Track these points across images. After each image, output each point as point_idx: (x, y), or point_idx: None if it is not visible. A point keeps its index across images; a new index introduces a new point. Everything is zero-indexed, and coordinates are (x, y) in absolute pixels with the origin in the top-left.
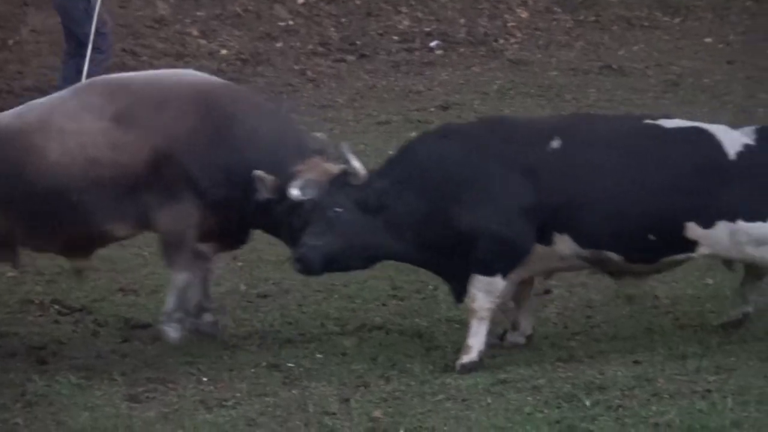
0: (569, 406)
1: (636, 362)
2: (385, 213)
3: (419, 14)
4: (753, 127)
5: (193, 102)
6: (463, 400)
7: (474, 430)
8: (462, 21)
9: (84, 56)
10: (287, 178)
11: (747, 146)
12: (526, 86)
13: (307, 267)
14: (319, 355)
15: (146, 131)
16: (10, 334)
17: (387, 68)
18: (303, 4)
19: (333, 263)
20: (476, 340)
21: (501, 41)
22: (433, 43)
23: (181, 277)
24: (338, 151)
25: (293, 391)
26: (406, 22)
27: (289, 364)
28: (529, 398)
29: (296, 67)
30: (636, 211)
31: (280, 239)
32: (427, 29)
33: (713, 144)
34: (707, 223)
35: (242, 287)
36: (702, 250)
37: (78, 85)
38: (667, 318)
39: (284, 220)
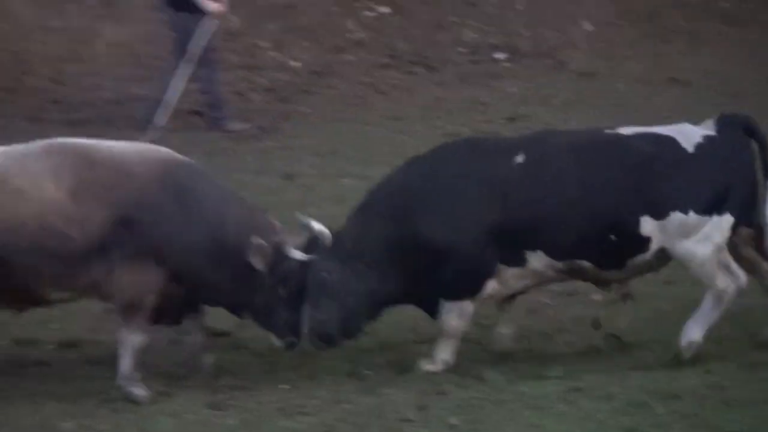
0: (642, 413)
1: (707, 371)
2: (366, 256)
3: (486, 27)
4: (715, 118)
5: (154, 174)
6: (538, 408)
7: None
8: (528, 33)
9: (188, 70)
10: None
11: (707, 137)
12: (591, 98)
13: (327, 340)
14: (396, 364)
15: (105, 202)
16: (96, 343)
17: (455, 80)
18: (373, 17)
19: (346, 323)
20: (445, 355)
21: (566, 53)
22: (499, 56)
23: (137, 339)
24: (298, 221)
25: (371, 399)
26: (473, 35)
27: (367, 372)
28: (602, 406)
29: (366, 80)
30: (598, 216)
31: (241, 314)
32: (494, 42)
33: (669, 143)
34: (660, 217)
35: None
36: (653, 247)
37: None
38: (738, 328)
39: (269, 291)
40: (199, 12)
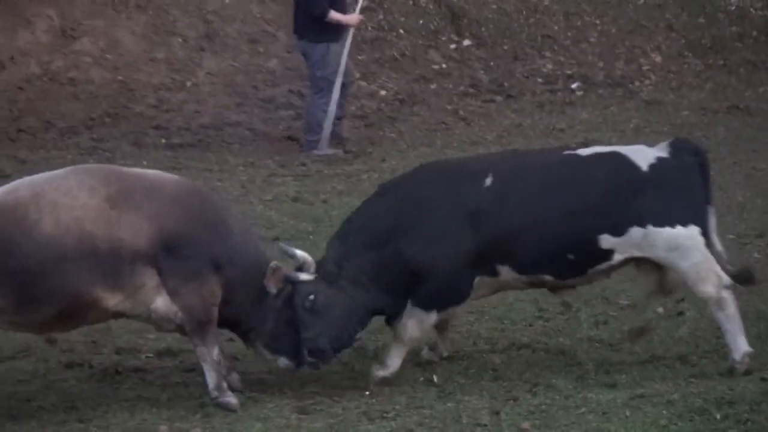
0: (701, 419)
1: (763, 379)
2: (347, 274)
3: (561, 58)
4: (669, 141)
5: (183, 189)
6: (604, 413)
7: None
8: (600, 64)
9: (328, 98)
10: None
11: (660, 159)
12: (660, 125)
13: (321, 358)
14: (471, 371)
15: (143, 210)
16: (190, 352)
17: (532, 108)
18: (455, 49)
19: (338, 341)
20: (395, 361)
21: (636, 83)
22: (574, 85)
23: (214, 351)
24: (281, 251)
25: (448, 404)
26: (549, 66)
27: (444, 380)
28: (664, 412)
29: (449, 107)
30: (559, 234)
31: (249, 339)
32: (569, 72)
33: (625, 163)
34: (619, 233)
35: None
36: (617, 257)
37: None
38: None
39: (278, 315)
40: (336, 41)
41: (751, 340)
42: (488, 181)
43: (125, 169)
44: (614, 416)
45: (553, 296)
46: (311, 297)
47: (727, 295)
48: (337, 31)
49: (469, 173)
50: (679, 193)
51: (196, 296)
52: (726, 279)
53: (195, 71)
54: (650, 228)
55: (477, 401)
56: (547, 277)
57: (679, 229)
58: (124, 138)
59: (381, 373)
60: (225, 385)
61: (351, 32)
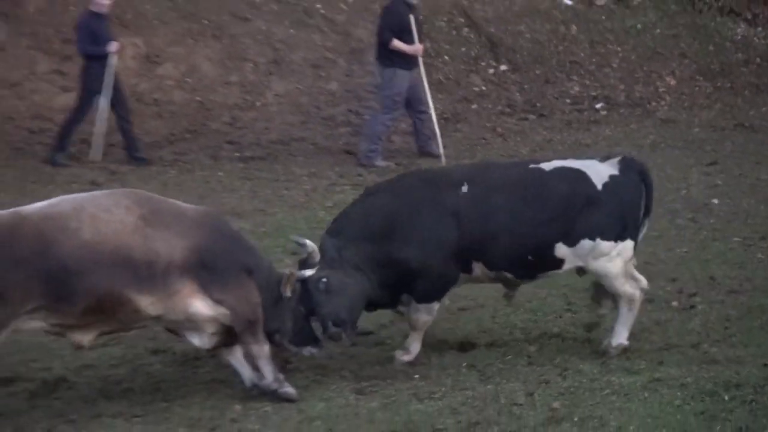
0: (711, 400)
1: (766, 365)
2: (350, 260)
3: (587, 81)
4: (617, 159)
5: (201, 210)
6: (625, 395)
7: (634, 418)
8: (622, 87)
9: (391, 115)
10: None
11: (612, 177)
12: (674, 140)
13: (344, 327)
14: (508, 358)
15: (174, 228)
16: None
17: (561, 125)
18: (493, 74)
19: (352, 313)
20: (415, 346)
21: (653, 103)
22: (598, 105)
23: (266, 347)
24: (294, 241)
25: (488, 386)
26: (576, 88)
27: (485, 365)
28: (678, 393)
29: (488, 125)
30: (523, 239)
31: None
32: (594, 93)
33: (583, 179)
34: (572, 244)
35: (446, 302)
36: (567, 266)
37: (107, 191)
38: None
39: (294, 313)
40: (403, 67)
41: (753, 330)
42: (464, 188)
43: (152, 194)
44: (634, 397)
45: (588, 292)
46: (324, 280)
47: (639, 296)
48: (404, 58)
49: (449, 181)
50: (625, 208)
51: (241, 300)
52: (644, 281)
53: (264, 93)
54: (598, 241)
55: (513, 384)
56: (509, 276)
57: (622, 243)
58: (202, 152)
59: (405, 357)
60: (282, 376)
61: (420, 61)
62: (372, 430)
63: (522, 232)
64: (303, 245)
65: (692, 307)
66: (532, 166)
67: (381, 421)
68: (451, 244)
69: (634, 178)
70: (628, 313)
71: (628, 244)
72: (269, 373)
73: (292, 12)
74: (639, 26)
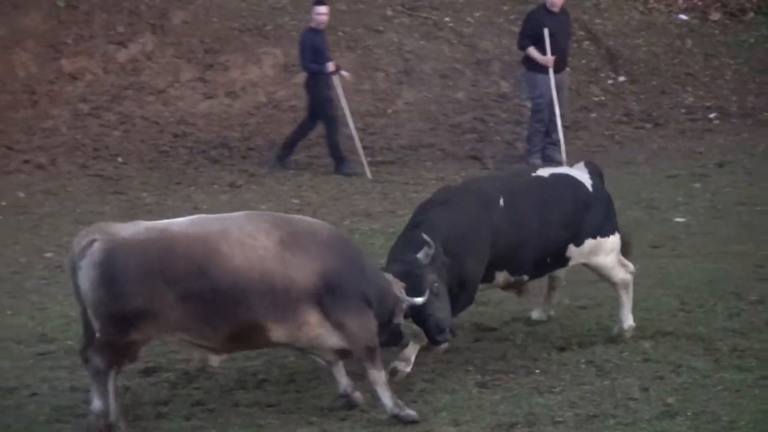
0: None
1: None
2: (438, 266)
3: (701, 92)
4: (582, 163)
5: (332, 231)
6: (736, 391)
7: (745, 414)
8: (734, 98)
9: (537, 117)
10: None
11: (593, 181)
12: None
13: (454, 329)
14: (624, 354)
15: (310, 252)
16: None
17: (675, 134)
18: (612, 84)
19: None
20: (413, 357)
21: (765, 114)
22: (711, 115)
23: (383, 374)
24: (421, 240)
25: (605, 382)
26: (690, 99)
27: (602, 361)
28: None
29: (606, 133)
30: (547, 244)
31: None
32: (707, 104)
33: (580, 186)
34: (579, 244)
35: (566, 301)
36: (570, 264)
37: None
38: None
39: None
40: (543, 72)
41: None
42: (501, 202)
43: (287, 215)
44: (745, 393)
45: (701, 293)
46: (435, 284)
47: (631, 278)
48: (541, 65)
49: (488, 195)
50: (608, 206)
51: (361, 327)
52: (631, 266)
53: (395, 101)
54: (599, 239)
55: (629, 379)
56: (526, 278)
57: (614, 237)
58: None
59: (407, 369)
60: (401, 402)
61: (551, 71)
62: (494, 421)
63: (547, 238)
64: (430, 245)
65: None
66: (534, 174)
67: (503, 413)
68: (488, 256)
69: (600, 179)
70: (627, 297)
71: (617, 237)
72: (388, 400)
73: (422, 25)
74: (751, 40)
